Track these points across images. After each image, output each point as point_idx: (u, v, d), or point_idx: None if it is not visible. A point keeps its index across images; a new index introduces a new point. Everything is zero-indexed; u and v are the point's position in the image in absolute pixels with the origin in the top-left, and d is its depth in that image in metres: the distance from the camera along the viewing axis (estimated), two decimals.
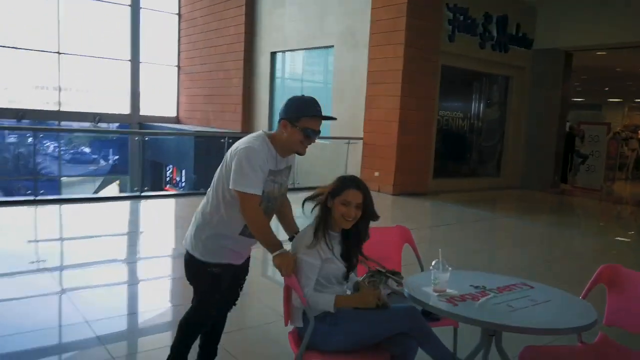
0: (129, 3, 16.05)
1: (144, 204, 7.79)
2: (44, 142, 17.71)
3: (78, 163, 20.24)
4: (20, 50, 14.69)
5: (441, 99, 10.39)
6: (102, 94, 16.69)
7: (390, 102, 9.41)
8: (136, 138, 10.89)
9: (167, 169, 16.25)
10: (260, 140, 2.26)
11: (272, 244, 2.27)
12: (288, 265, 2.23)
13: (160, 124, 16.32)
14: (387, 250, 3.07)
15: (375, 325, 2.23)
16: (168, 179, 16.32)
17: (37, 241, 5.64)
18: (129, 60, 16.24)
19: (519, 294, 2.30)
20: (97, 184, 18.91)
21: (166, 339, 3.04)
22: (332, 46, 10.90)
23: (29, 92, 15.76)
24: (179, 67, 17.04)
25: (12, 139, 18.05)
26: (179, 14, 16.78)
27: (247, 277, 2.67)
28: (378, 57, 9.60)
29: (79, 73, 15.85)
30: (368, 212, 2.39)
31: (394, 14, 9.24)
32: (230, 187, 2.22)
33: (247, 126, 13.65)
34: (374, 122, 9.81)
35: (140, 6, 16.20)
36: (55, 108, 15.38)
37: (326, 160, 10.98)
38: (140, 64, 16.40)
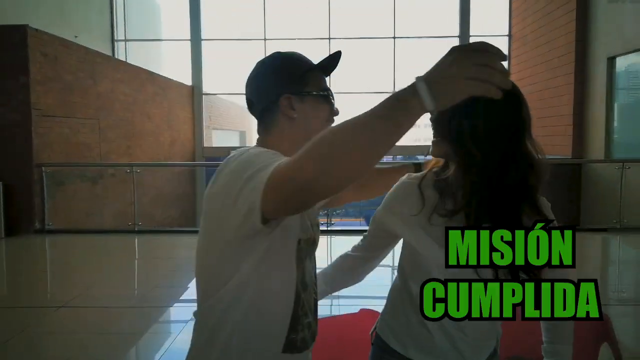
0: (458, 34, 15.98)
1: None
2: None
3: None
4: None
5: None
6: None
7: None
8: None
9: None
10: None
11: (395, 100, 0.90)
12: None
13: None
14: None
15: None
16: None
17: None
18: None
19: None
20: None
21: None
22: None
23: None
24: None
25: None
26: (510, 35, 15.67)
27: None
28: None
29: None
30: None
31: None
32: (246, 201, 1.02)
33: (579, 151, 11.39)
34: None
35: (470, 34, 15.91)
36: None
37: None
38: None
